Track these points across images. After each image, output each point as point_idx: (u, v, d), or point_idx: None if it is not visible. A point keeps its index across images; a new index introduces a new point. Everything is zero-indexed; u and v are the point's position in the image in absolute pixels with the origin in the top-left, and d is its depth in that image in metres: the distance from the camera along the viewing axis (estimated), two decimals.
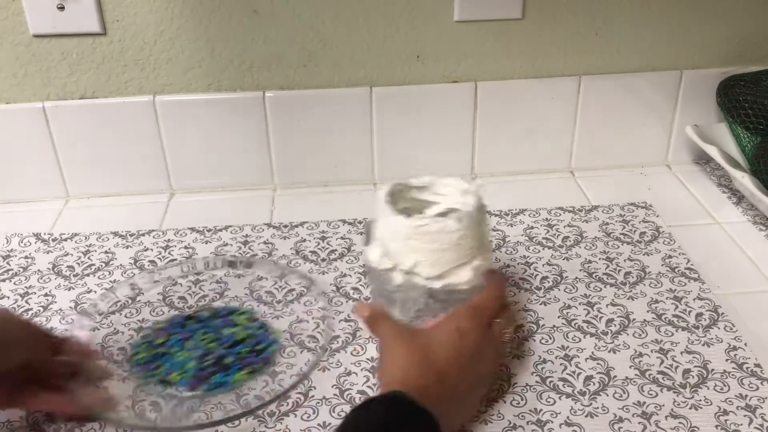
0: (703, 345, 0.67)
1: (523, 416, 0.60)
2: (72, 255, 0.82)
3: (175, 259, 0.81)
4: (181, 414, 0.61)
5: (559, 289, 0.75)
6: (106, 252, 0.82)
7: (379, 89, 0.91)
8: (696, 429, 0.58)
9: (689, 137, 0.94)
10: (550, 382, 0.63)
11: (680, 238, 0.83)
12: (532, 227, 0.85)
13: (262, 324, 0.71)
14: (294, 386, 0.62)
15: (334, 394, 0.62)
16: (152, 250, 0.83)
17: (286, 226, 0.87)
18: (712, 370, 0.64)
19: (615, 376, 0.63)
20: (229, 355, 0.66)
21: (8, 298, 0.75)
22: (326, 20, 0.88)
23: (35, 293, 0.76)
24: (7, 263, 0.81)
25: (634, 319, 0.70)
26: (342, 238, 0.84)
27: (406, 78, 0.92)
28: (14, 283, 0.78)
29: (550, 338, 0.68)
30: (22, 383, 0.58)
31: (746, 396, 0.61)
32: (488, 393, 0.60)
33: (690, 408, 0.60)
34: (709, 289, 0.74)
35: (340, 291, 0.74)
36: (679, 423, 0.59)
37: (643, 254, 0.80)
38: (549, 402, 0.61)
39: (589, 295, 0.74)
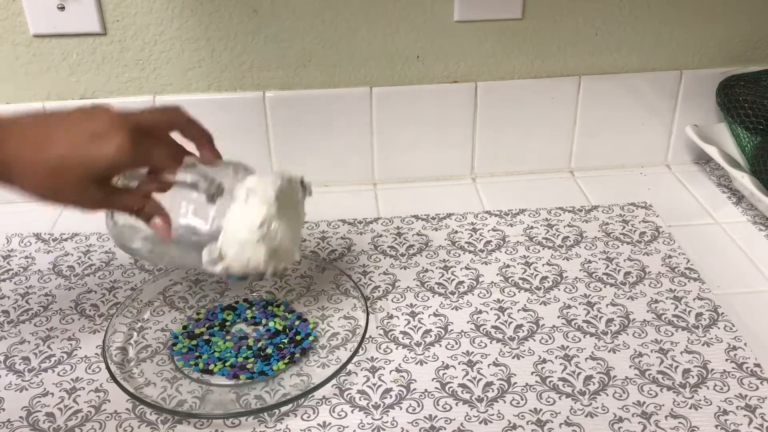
0: (703, 345, 0.67)
1: (523, 416, 0.60)
2: (72, 255, 0.82)
3: None
4: (223, 402, 0.61)
5: (559, 289, 0.75)
6: (106, 252, 0.82)
7: (379, 89, 0.91)
8: (696, 429, 0.58)
9: (689, 137, 0.94)
10: (550, 382, 0.63)
11: (680, 238, 0.83)
12: (532, 227, 0.85)
13: (298, 315, 0.72)
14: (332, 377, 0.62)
15: (334, 394, 0.62)
16: None
17: None
18: (712, 369, 0.64)
19: (615, 376, 0.63)
20: (269, 345, 0.67)
21: (8, 298, 0.75)
22: (326, 20, 0.88)
23: (35, 293, 0.76)
24: (8, 263, 0.81)
25: (634, 319, 0.70)
26: (342, 238, 0.84)
27: (406, 78, 0.92)
28: (14, 283, 0.78)
29: (550, 338, 0.68)
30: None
31: (746, 396, 0.61)
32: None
33: (690, 408, 0.60)
34: (709, 289, 0.74)
35: (340, 289, 0.74)
36: (679, 423, 0.59)
37: (643, 254, 0.80)
38: (549, 402, 0.61)
39: (589, 295, 0.74)
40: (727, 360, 0.65)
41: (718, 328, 0.68)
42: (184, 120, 0.61)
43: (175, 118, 0.61)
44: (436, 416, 0.60)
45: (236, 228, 0.60)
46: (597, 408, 0.60)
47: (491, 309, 0.72)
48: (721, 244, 0.82)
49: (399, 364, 0.65)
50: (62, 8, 0.84)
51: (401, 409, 0.61)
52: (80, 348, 0.69)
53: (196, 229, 0.61)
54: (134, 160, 0.56)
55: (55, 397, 0.63)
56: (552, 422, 0.59)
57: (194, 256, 0.62)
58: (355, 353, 0.64)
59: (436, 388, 0.63)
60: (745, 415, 0.59)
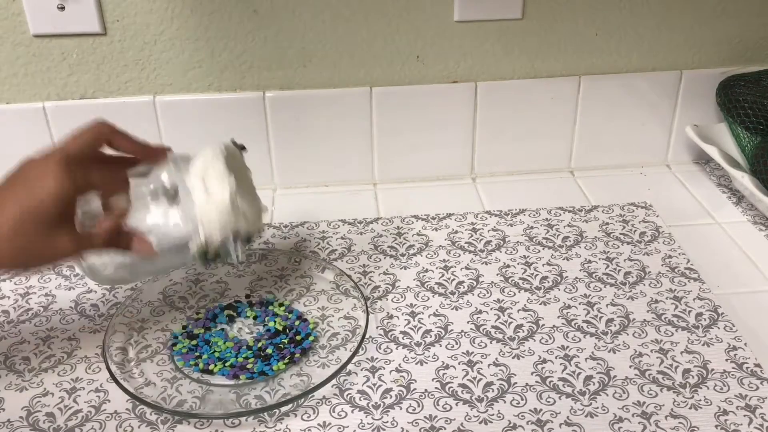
0: (703, 345, 0.67)
1: (523, 416, 0.60)
2: None
3: None
4: (223, 402, 0.61)
5: (559, 289, 0.75)
6: None
7: (379, 89, 0.91)
8: (696, 429, 0.58)
9: (689, 137, 0.94)
10: (550, 382, 0.63)
11: (680, 238, 0.83)
12: (532, 227, 0.85)
13: (299, 314, 0.72)
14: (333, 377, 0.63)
15: (334, 394, 0.62)
16: None
17: (286, 226, 0.87)
18: (712, 370, 0.64)
19: (615, 376, 0.63)
20: (269, 345, 0.67)
21: (8, 298, 0.75)
22: (326, 20, 0.88)
23: (35, 293, 0.76)
24: None
25: (634, 319, 0.70)
26: (342, 238, 0.84)
27: (406, 78, 0.92)
28: (14, 283, 0.78)
29: (550, 338, 0.68)
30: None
31: (746, 396, 0.61)
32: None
33: (690, 408, 0.60)
34: (709, 289, 0.74)
35: (340, 289, 0.74)
36: (679, 423, 0.59)
37: (643, 254, 0.80)
38: (549, 402, 0.61)
39: (589, 295, 0.74)
40: (727, 360, 0.65)
41: (718, 328, 0.69)
42: (108, 131, 0.60)
43: (99, 133, 0.59)
44: (436, 416, 0.60)
45: (212, 216, 0.62)
46: (597, 408, 0.60)
47: (491, 309, 0.72)
48: (721, 244, 0.82)
49: (399, 364, 0.65)
50: (62, 8, 0.84)
51: (401, 409, 0.61)
52: (80, 348, 0.69)
53: (172, 235, 0.63)
54: (78, 186, 0.57)
55: (55, 397, 0.63)
56: (552, 422, 0.59)
57: (178, 257, 0.64)
58: (355, 353, 0.64)
59: (436, 388, 0.63)
60: (745, 415, 0.59)
